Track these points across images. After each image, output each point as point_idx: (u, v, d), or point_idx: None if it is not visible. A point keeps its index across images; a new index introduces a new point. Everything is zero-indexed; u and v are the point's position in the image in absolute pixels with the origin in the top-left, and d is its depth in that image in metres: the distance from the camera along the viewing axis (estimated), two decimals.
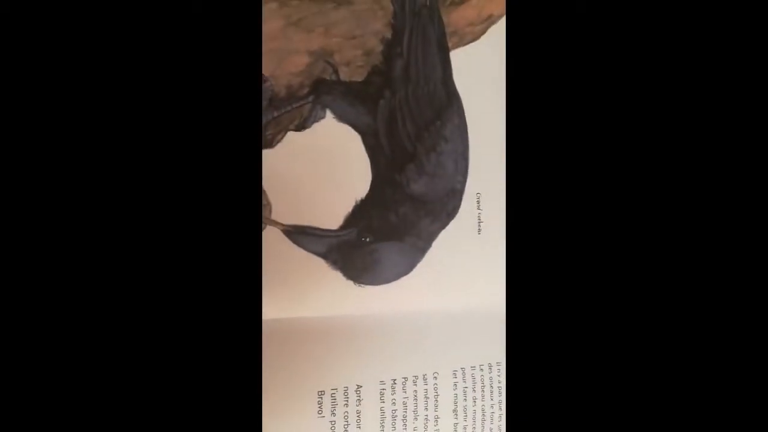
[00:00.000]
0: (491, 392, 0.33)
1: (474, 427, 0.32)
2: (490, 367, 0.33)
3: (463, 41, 0.33)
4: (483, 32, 0.33)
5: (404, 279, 0.30)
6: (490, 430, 0.33)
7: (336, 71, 0.30)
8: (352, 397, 0.30)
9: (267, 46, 0.29)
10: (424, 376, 0.31)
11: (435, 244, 0.30)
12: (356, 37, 0.31)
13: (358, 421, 0.30)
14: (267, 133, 0.30)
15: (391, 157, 0.30)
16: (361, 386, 0.30)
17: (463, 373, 0.32)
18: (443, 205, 0.30)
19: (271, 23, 0.29)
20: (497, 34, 0.33)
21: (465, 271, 0.32)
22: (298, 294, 0.29)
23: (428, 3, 0.31)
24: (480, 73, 0.32)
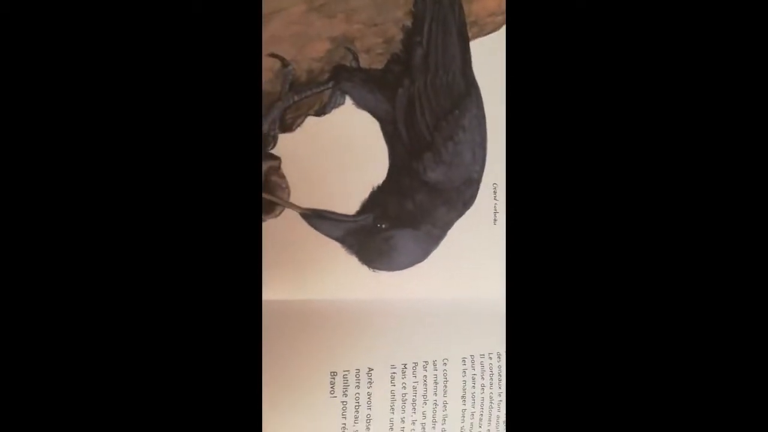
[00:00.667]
0: (499, 380, 0.33)
1: (481, 414, 0.33)
2: (498, 355, 0.33)
3: (483, 31, 0.33)
4: (503, 23, 0.33)
5: (418, 266, 0.30)
6: (497, 417, 0.33)
7: (356, 58, 0.30)
8: (364, 379, 0.30)
9: (289, 30, 0.29)
10: (434, 361, 0.32)
11: (450, 232, 0.30)
12: (377, 25, 0.31)
13: (369, 403, 0.30)
14: (287, 117, 0.30)
15: (408, 145, 0.30)
16: (372, 369, 0.30)
17: (472, 361, 0.33)
18: (459, 194, 0.30)
19: (293, 7, 0.29)
20: None
21: (480, 260, 0.32)
22: (313, 277, 0.29)
23: None
24: (499, 64, 0.32)
